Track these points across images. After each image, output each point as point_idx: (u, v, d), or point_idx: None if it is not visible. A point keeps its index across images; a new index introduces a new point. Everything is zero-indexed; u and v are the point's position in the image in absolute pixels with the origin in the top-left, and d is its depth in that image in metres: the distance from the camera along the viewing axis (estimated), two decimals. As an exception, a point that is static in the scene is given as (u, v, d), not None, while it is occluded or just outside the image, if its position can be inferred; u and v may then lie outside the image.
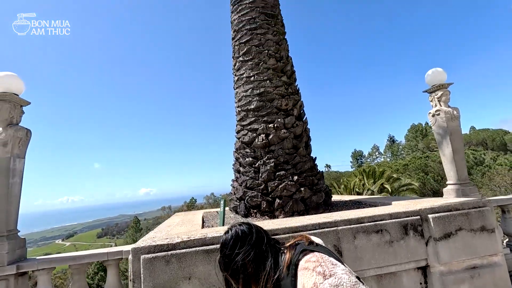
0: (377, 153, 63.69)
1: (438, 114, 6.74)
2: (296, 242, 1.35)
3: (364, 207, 4.09)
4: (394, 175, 21.96)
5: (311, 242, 1.33)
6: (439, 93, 6.84)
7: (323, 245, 1.38)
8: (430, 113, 6.98)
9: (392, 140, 64.36)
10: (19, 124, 4.94)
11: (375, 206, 4.00)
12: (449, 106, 6.83)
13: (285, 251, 1.32)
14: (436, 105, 6.92)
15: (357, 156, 63.52)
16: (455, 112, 6.67)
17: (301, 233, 1.49)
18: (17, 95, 4.94)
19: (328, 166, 54.89)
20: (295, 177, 4.14)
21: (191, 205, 43.06)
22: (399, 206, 3.50)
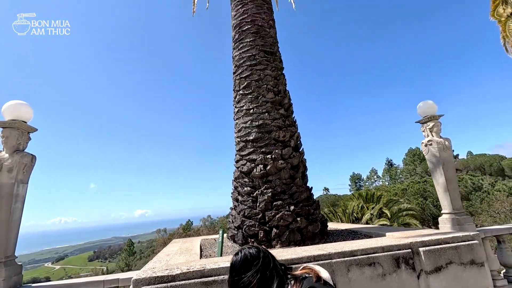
0: (375, 177, 63.65)
1: (431, 144, 6.98)
2: (304, 275, 1.38)
3: (359, 238, 4.18)
4: (393, 198, 21.91)
5: (319, 278, 1.35)
6: (431, 124, 7.13)
7: (331, 282, 1.39)
8: (423, 143, 7.22)
9: (390, 164, 64.52)
10: (25, 150, 5.11)
11: (370, 237, 4.10)
12: (440, 137, 7.09)
13: (291, 281, 1.36)
14: (428, 135, 7.18)
15: (356, 180, 63.44)
16: (446, 143, 6.91)
17: (309, 264, 1.53)
18: (25, 122, 5.16)
19: (326, 189, 54.72)
20: (292, 207, 4.26)
21: (187, 228, 42.18)
22: (391, 238, 3.61)
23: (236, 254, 1.52)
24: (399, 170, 59.28)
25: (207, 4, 12.75)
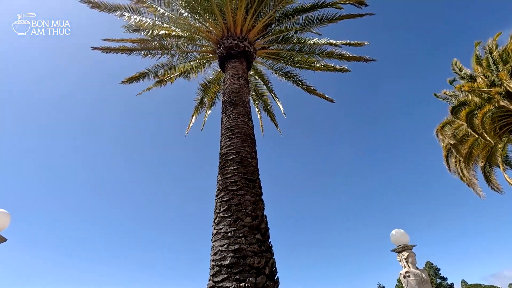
0: (369, 308, 56.45)
1: (409, 276, 6.90)
2: None
3: None
4: None
5: None
6: (405, 254, 7.27)
7: None
8: (401, 274, 7.14)
9: (383, 292, 58.65)
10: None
11: None
12: (417, 268, 7.10)
13: None
14: (405, 266, 7.19)
15: (347, 310, 55.79)
16: (423, 275, 6.87)
17: None
18: (-2, 231, 5.08)
19: (314, 322, 47.09)
20: None
21: None
22: None
23: None
24: (393, 300, 53.39)
25: (202, 127, 14.80)
